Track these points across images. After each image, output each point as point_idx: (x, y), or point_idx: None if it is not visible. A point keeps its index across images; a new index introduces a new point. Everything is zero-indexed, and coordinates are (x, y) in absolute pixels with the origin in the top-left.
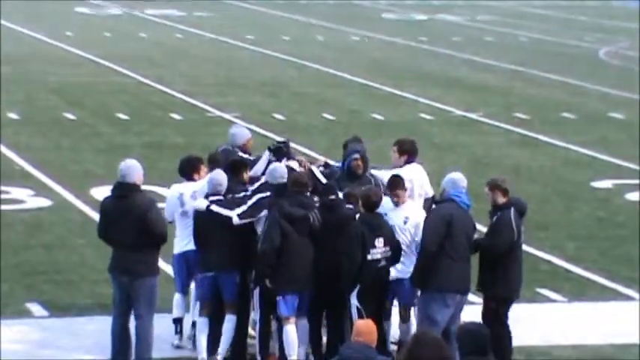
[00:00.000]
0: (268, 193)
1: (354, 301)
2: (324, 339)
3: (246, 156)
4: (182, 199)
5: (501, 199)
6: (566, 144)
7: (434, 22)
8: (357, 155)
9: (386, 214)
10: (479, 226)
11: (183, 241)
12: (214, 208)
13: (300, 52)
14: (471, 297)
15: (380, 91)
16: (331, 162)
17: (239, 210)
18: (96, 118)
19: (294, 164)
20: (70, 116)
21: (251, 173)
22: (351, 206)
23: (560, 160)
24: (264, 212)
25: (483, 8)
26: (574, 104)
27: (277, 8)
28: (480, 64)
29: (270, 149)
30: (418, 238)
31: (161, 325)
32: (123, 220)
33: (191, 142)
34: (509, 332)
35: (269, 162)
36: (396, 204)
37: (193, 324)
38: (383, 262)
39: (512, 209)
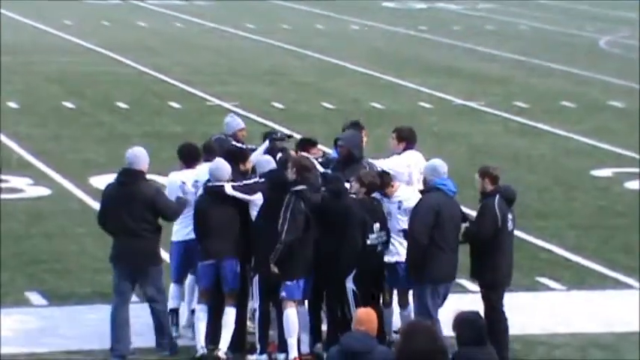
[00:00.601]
0: (263, 180)
1: (349, 285)
2: (324, 328)
3: (239, 145)
4: (184, 188)
5: (489, 187)
6: (566, 133)
7: (434, 11)
8: (341, 142)
9: (381, 198)
10: (471, 213)
11: (185, 229)
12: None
13: (301, 41)
14: (466, 284)
15: (380, 80)
16: (328, 150)
17: (234, 184)
18: (96, 108)
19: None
20: (70, 105)
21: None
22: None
23: (560, 149)
24: (258, 196)
25: None
26: (574, 93)
27: None
28: (481, 53)
29: (273, 137)
30: None
31: None
32: (127, 207)
33: (190, 130)
34: (505, 319)
35: (266, 151)
36: (388, 195)
37: (192, 311)
38: (380, 247)
39: (498, 196)
